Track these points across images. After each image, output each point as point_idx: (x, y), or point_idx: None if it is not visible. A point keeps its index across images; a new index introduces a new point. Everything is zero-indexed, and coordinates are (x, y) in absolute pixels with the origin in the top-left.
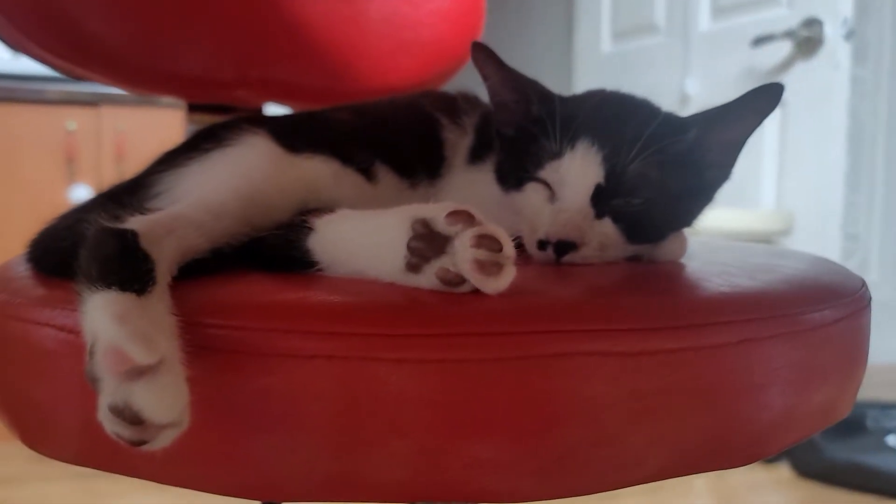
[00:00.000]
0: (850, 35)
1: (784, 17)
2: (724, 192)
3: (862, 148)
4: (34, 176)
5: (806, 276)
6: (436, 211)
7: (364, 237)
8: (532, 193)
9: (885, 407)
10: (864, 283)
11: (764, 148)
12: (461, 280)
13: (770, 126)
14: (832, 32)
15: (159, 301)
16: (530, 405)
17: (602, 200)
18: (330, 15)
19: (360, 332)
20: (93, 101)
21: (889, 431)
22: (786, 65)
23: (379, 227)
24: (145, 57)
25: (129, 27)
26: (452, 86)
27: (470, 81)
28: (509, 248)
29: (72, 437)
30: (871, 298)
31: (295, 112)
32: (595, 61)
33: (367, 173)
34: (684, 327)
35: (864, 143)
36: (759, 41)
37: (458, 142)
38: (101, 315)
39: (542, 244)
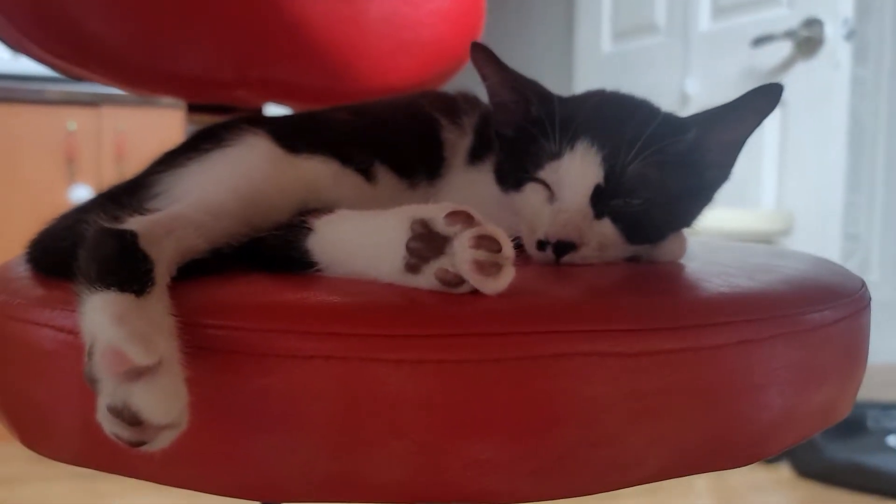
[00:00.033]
0: (850, 35)
1: (784, 17)
2: (725, 192)
3: (862, 148)
4: (34, 176)
5: (806, 277)
6: (435, 211)
7: (363, 238)
8: (531, 194)
9: (885, 407)
10: (863, 284)
11: (764, 148)
12: (460, 280)
13: (770, 126)
14: (832, 32)
15: (158, 301)
16: (529, 405)
17: (601, 201)
18: (330, 15)
19: (359, 332)
20: (93, 102)
21: (889, 432)
22: (786, 65)
23: (378, 228)
24: (145, 57)
25: (129, 27)
26: (452, 86)
27: (470, 82)
28: (508, 249)
29: (71, 437)
30: (870, 299)
31: (294, 112)
32: (595, 61)
33: (367, 174)
34: (684, 328)
35: (864, 143)
36: (760, 41)
37: (458, 142)
38: (100, 315)
39: (541, 244)
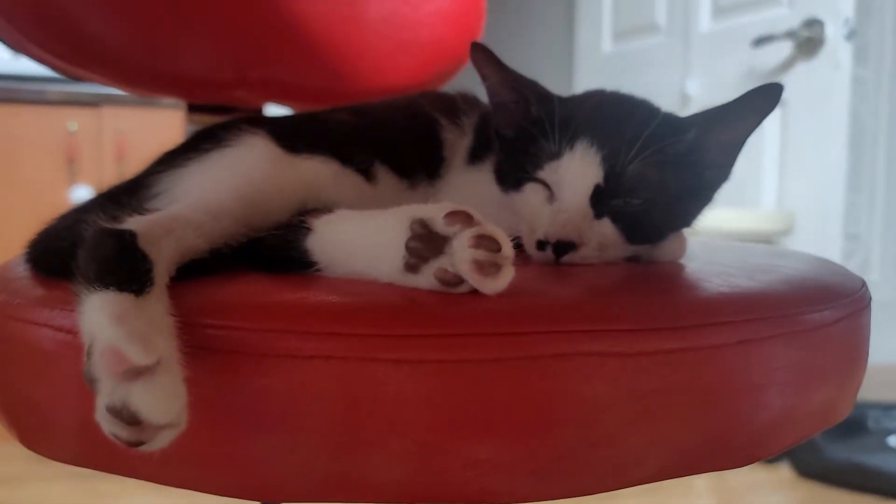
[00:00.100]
0: (851, 35)
1: (785, 18)
2: (725, 192)
3: (863, 148)
4: (35, 176)
5: (806, 277)
6: (434, 211)
7: (362, 237)
8: (531, 194)
9: (886, 407)
10: (864, 284)
11: (765, 148)
12: (460, 280)
13: (771, 126)
14: (833, 33)
15: (157, 301)
16: (529, 405)
17: (601, 201)
18: (330, 15)
19: (358, 332)
20: (94, 102)
21: (890, 432)
22: (787, 65)
23: (377, 228)
24: (145, 57)
25: (128, 27)
26: (452, 86)
27: (469, 82)
28: (508, 249)
29: (70, 437)
30: (871, 298)
31: (294, 113)
32: (595, 61)
33: (367, 174)
34: (684, 328)
35: (864, 143)
36: (760, 41)
37: (458, 142)
38: (99, 315)
39: (541, 244)
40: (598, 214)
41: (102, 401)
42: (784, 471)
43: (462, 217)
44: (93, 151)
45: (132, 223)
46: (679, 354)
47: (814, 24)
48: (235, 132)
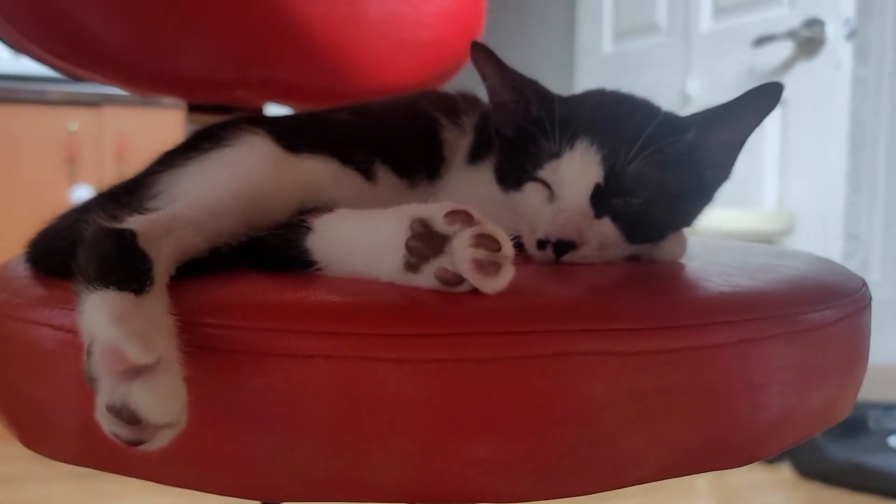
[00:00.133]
0: (851, 35)
1: (785, 17)
2: (726, 192)
3: (863, 148)
4: (35, 176)
5: (806, 276)
6: (434, 210)
7: (363, 237)
8: (531, 193)
9: (886, 407)
10: (864, 283)
11: (765, 148)
12: (460, 279)
13: (771, 126)
14: (834, 32)
15: (157, 301)
16: (529, 405)
17: (601, 200)
18: (330, 15)
19: (358, 331)
20: (94, 102)
21: (891, 432)
22: (787, 65)
23: (377, 227)
24: (145, 57)
25: (129, 27)
26: (452, 86)
27: (470, 81)
28: (508, 248)
29: (70, 437)
30: (871, 298)
31: (294, 112)
32: (596, 61)
33: (367, 173)
34: (684, 327)
35: (865, 143)
36: (761, 41)
37: (458, 142)
38: (99, 314)
39: (541, 244)
40: (599, 214)
41: (102, 400)
42: (785, 471)
43: (462, 216)
44: (93, 151)
45: (132, 222)
46: (679, 354)
47: (814, 23)
48: (235, 132)
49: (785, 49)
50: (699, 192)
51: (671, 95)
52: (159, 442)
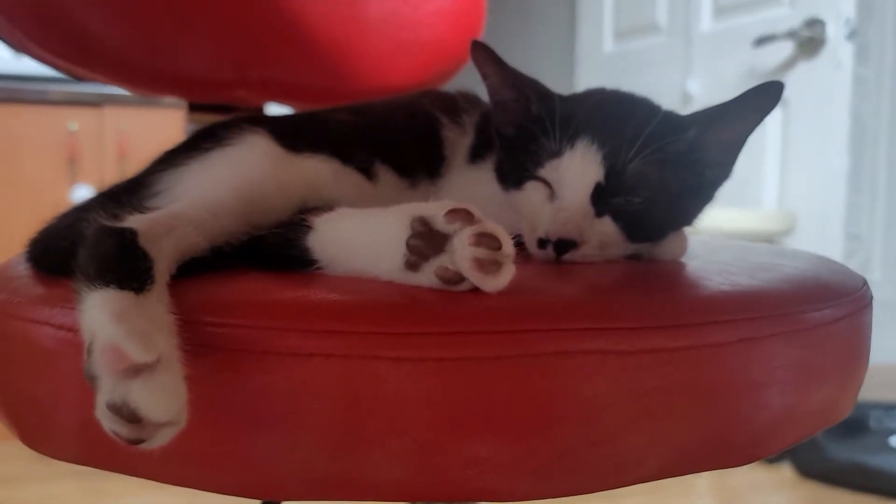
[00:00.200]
0: (852, 35)
1: (786, 17)
2: (727, 192)
3: (864, 148)
4: (36, 176)
5: (807, 275)
6: (435, 209)
7: (363, 235)
8: (532, 192)
9: (887, 407)
10: (865, 283)
11: (766, 148)
12: (460, 278)
13: (772, 126)
14: (834, 32)
15: (158, 299)
16: (530, 404)
17: (602, 199)
18: (330, 15)
19: (359, 330)
20: (95, 102)
21: (892, 432)
22: (788, 65)
23: (378, 226)
24: (145, 57)
25: (129, 27)
26: (453, 85)
27: (470, 81)
28: (508, 247)
29: (71, 435)
30: (872, 297)
31: (295, 112)
32: (597, 61)
33: (367, 173)
34: (685, 326)
35: (866, 143)
36: (761, 41)
37: (458, 141)
38: (99, 313)
39: (542, 243)
40: (599, 213)
41: (103, 398)
42: (785, 471)
43: (462, 215)
44: (94, 151)
45: (133, 221)
46: (680, 353)
47: (815, 23)
48: (236, 131)
49: (785, 49)
50: (700, 191)
51: (672, 95)
52: (160, 440)
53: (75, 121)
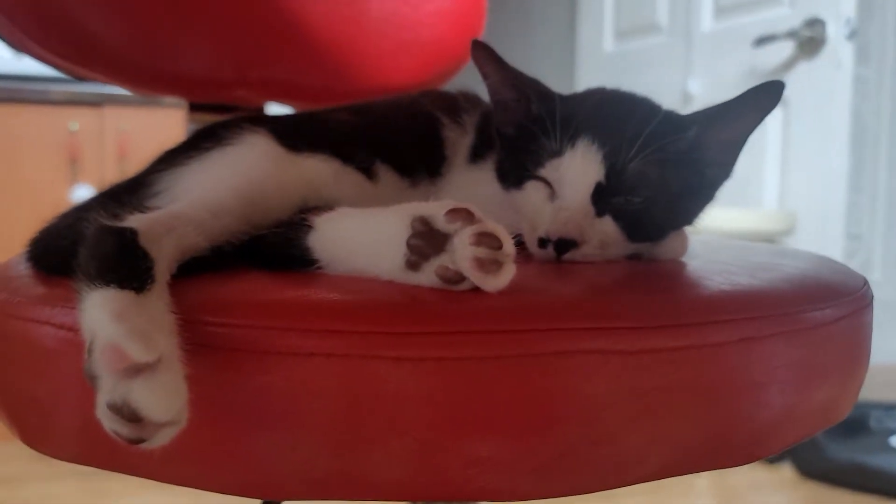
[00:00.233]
0: (852, 35)
1: (786, 17)
2: (727, 192)
3: (864, 148)
4: (37, 176)
5: (807, 275)
6: (435, 209)
7: (364, 235)
8: (532, 192)
9: (888, 407)
10: (865, 282)
11: (766, 148)
12: (461, 278)
13: (772, 126)
14: (835, 32)
15: (158, 299)
16: (530, 403)
17: (602, 199)
18: (330, 15)
19: (359, 330)
20: (95, 102)
21: (892, 432)
22: (788, 65)
23: (378, 225)
24: (145, 56)
25: (128, 27)
26: (453, 85)
27: (471, 81)
28: (509, 246)
29: (71, 435)
30: (872, 297)
31: (295, 112)
32: (597, 61)
33: (368, 172)
34: (685, 325)
35: (866, 142)
36: (762, 41)
37: (459, 140)
38: (100, 313)
39: (542, 242)
40: (600, 212)
41: (103, 398)
42: (786, 471)
43: (463, 214)
44: (94, 151)
45: (133, 221)
46: (680, 352)
47: (815, 23)
48: (236, 131)
49: (786, 49)
50: (700, 190)
51: (672, 95)
52: (160, 440)
53: (76, 121)
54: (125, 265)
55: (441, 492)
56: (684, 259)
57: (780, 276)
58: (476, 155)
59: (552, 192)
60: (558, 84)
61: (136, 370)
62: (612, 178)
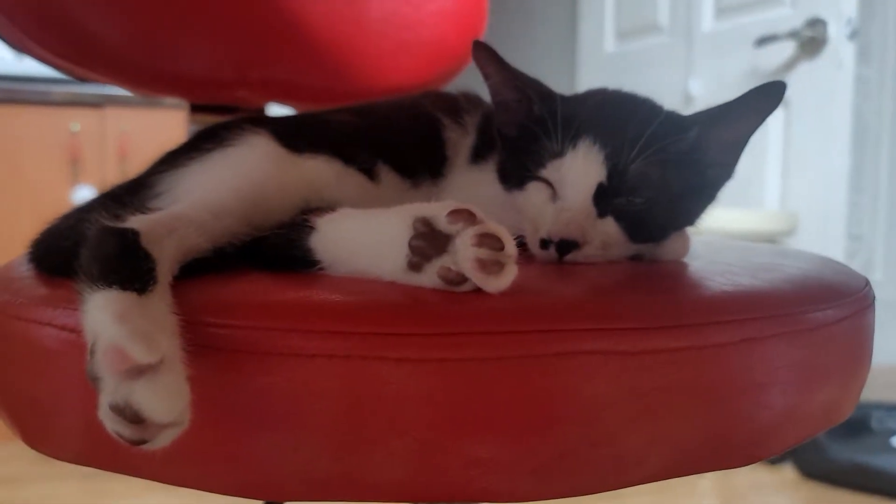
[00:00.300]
0: (853, 35)
1: (787, 17)
2: (728, 192)
3: (866, 148)
4: (38, 177)
5: (809, 276)
6: (437, 210)
7: (365, 236)
8: (534, 192)
9: (889, 408)
10: (867, 283)
11: (768, 148)
12: (463, 279)
13: (774, 126)
14: (836, 32)
15: (160, 300)
16: (531, 404)
17: (604, 199)
18: (331, 15)
19: (361, 331)
20: (96, 103)
21: (894, 433)
22: (789, 65)
23: (380, 226)
24: (146, 57)
25: (129, 27)
26: (455, 86)
27: (472, 81)
28: (511, 247)
29: (73, 436)
30: (874, 298)
31: (297, 113)
32: (598, 61)
33: (370, 173)
34: (686, 326)
35: (867, 143)
36: (763, 41)
37: (460, 141)
38: (102, 314)
39: (544, 243)
40: (601, 213)
41: (105, 399)
42: (787, 471)
43: (465, 215)
44: (96, 152)
45: (135, 222)
46: (682, 353)
47: (816, 23)
48: (237, 132)
49: (787, 49)
50: (702, 191)
51: (673, 96)
52: (162, 441)
53: (77, 121)
54: (127, 266)
55: (442, 493)
56: (686, 260)
57: (782, 276)
58: (477, 156)
59: (554, 193)
60: (559, 84)
61: (138, 371)
62: (614, 178)
